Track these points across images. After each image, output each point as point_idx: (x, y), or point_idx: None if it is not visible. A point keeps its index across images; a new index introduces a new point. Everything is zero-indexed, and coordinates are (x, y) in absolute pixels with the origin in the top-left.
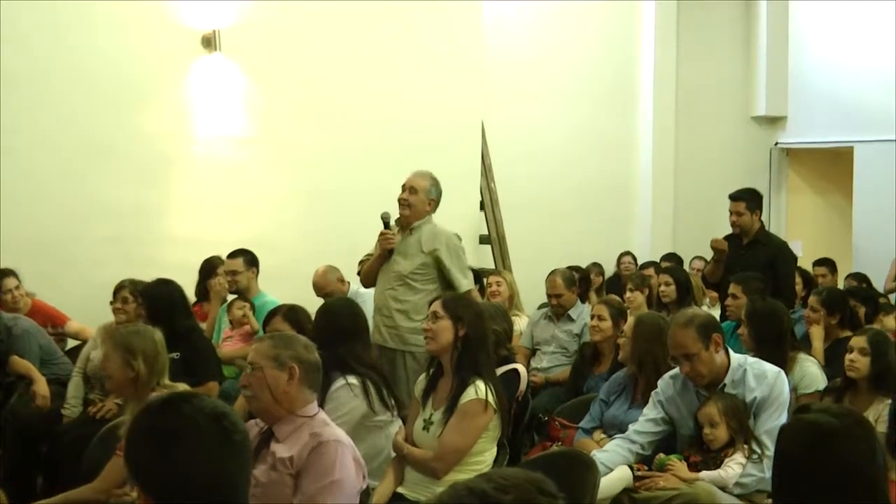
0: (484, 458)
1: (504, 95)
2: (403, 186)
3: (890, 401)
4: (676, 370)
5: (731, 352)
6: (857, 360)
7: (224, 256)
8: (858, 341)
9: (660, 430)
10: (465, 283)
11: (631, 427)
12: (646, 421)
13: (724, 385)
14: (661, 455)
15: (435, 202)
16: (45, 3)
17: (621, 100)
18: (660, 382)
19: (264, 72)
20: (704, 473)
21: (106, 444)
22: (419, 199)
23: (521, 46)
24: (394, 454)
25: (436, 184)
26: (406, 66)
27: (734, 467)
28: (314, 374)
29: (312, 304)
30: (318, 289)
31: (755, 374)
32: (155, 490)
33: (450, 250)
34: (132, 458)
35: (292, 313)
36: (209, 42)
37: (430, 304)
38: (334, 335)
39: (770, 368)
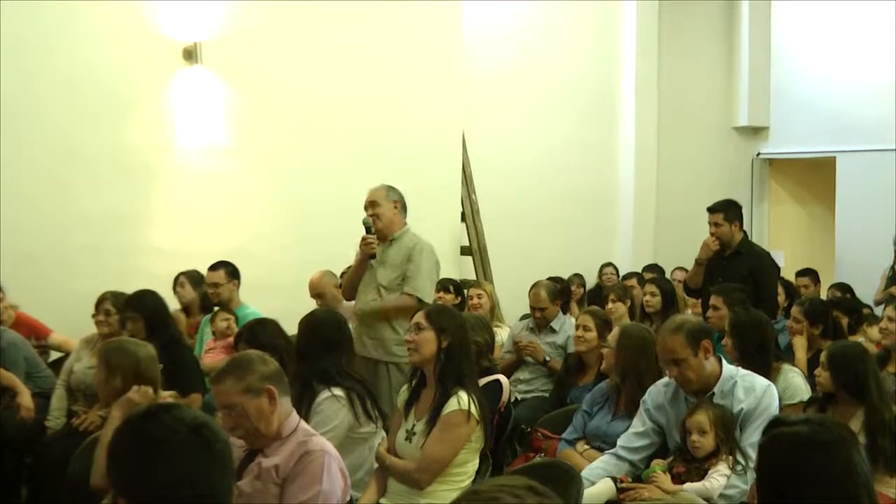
0: (466, 469)
1: (485, 107)
2: (365, 206)
3: None
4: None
5: (724, 362)
6: (820, 375)
7: (202, 267)
8: (823, 356)
9: (648, 442)
10: (420, 287)
11: (619, 443)
12: (632, 434)
13: (713, 394)
14: (655, 463)
15: (401, 204)
16: (25, 15)
17: (603, 110)
18: (651, 389)
19: (245, 84)
20: (688, 486)
21: (89, 455)
22: (385, 208)
23: (503, 58)
24: (376, 465)
25: (393, 190)
26: (387, 78)
27: (718, 479)
28: (283, 381)
29: (293, 315)
30: (312, 288)
31: (745, 387)
32: (137, 500)
33: (420, 258)
34: (114, 469)
35: (252, 335)
36: (190, 54)
37: (412, 315)
38: (319, 347)
39: (760, 381)
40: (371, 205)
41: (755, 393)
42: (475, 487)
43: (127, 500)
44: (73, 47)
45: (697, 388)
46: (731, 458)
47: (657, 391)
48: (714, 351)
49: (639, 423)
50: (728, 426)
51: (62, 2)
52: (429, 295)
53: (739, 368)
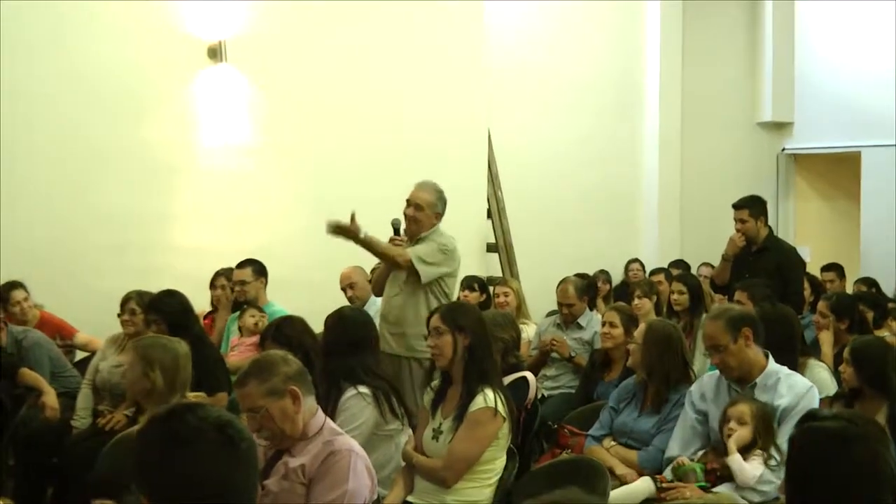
0: (494, 466)
1: (510, 104)
2: (408, 201)
3: None
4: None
5: (771, 357)
6: (845, 371)
7: (228, 266)
8: (846, 351)
9: (699, 442)
10: (414, 257)
11: (672, 454)
12: (684, 432)
13: (755, 384)
14: (682, 462)
15: (441, 214)
16: (48, 12)
17: (627, 107)
18: (697, 381)
19: (269, 82)
20: (730, 460)
21: (115, 455)
22: (425, 214)
23: (527, 55)
24: (403, 463)
25: (441, 197)
26: (412, 75)
27: (756, 466)
28: (307, 380)
29: (317, 313)
30: (344, 279)
31: (788, 384)
32: (161, 499)
33: (429, 245)
34: (138, 468)
35: (279, 333)
36: (215, 53)
37: (429, 319)
38: (345, 345)
39: (803, 381)
40: (415, 206)
41: (797, 390)
42: None
43: (151, 500)
44: (97, 47)
45: (738, 375)
46: (765, 453)
47: (701, 382)
48: (755, 341)
49: (683, 426)
50: (768, 421)
51: (87, 1)
52: (428, 272)
53: (785, 368)
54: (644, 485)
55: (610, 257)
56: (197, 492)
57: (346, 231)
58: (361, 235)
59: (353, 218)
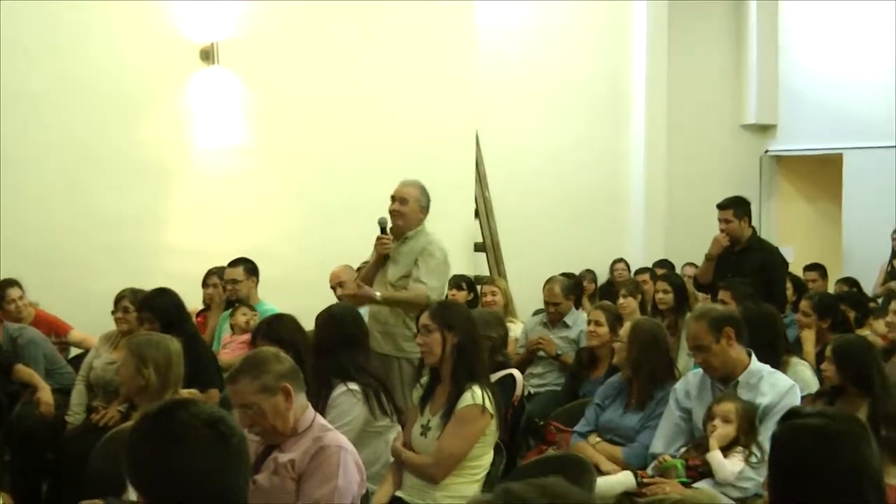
0: (481, 462)
1: (498, 105)
2: (393, 197)
3: None
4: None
5: (753, 356)
6: (827, 369)
7: (220, 265)
8: (828, 349)
9: (683, 439)
10: (427, 287)
11: (655, 451)
12: (667, 437)
13: (738, 382)
14: (664, 460)
15: (426, 210)
16: (43, 16)
17: (613, 109)
18: (682, 378)
19: (262, 84)
20: (710, 455)
21: (108, 450)
22: (411, 208)
23: (515, 57)
24: (392, 459)
25: (425, 192)
26: (402, 77)
27: (736, 462)
28: (299, 377)
29: (309, 313)
30: (334, 277)
31: (771, 383)
32: (154, 494)
33: (424, 256)
34: (131, 464)
35: (270, 330)
36: (207, 55)
37: (418, 317)
38: (336, 342)
39: (785, 380)
40: (400, 200)
41: (778, 389)
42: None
43: (144, 495)
44: (90, 49)
45: (722, 374)
46: (746, 450)
47: (686, 379)
48: (737, 340)
49: (667, 423)
50: (752, 421)
51: (80, 3)
52: (437, 293)
53: (768, 366)
54: (624, 477)
55: (595, 257)
56: (189, 487)
57: (365, 299)
58: (378, 297)
59: (360, 286)
